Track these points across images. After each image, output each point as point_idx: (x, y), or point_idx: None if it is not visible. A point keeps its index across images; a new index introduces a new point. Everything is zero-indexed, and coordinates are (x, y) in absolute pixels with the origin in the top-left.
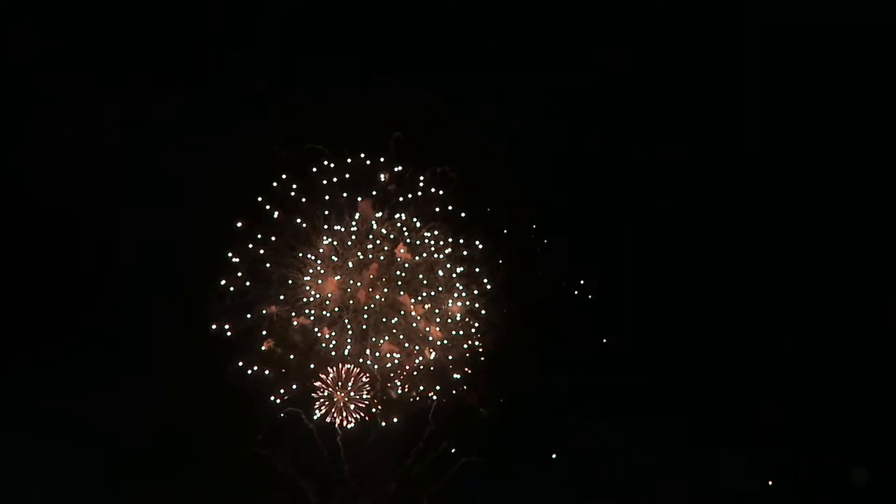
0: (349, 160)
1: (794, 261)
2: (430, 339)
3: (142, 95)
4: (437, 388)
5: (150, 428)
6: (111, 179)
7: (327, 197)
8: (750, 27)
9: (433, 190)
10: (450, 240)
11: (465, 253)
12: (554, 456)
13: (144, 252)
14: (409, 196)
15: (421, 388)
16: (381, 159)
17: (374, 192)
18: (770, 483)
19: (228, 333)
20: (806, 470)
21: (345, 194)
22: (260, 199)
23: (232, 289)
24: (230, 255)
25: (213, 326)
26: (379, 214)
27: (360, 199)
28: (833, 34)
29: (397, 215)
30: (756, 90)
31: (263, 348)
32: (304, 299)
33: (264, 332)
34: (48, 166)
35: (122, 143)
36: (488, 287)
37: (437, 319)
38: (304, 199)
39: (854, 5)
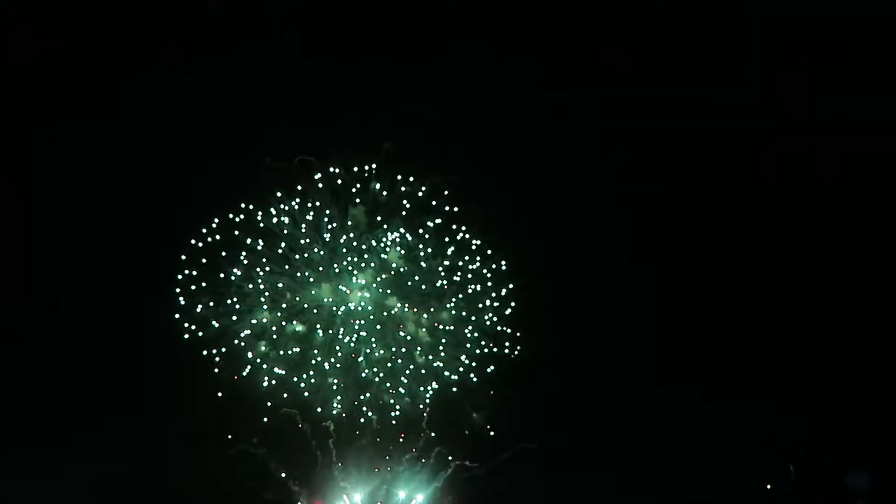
0: (340, 170)
1: (793, 262)
2: (423, 344)
3: (134, 103)
4: (431, 393)
5: (148, 429)
6: (104, 187)
7: (318, 205)
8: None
9: (426, 198)
10: (442, 247)
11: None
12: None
13: (136, 257)
14: (402, 204)
15: (414, 393)
16: (373, 168)
17: (365, 201)
18: (769, 486)
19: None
20: (805, 473)
21: (336, 203)
22: (251, 208)
23: (224, 295)
24: (223, 261)
25: (208, 330)
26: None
27: (351, 207)
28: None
29: (389, 223)
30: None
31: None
32: (297, 305)
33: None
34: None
35: (114, 151)
36: (482, 294)
37: (430, 325)
38: (295, 208)
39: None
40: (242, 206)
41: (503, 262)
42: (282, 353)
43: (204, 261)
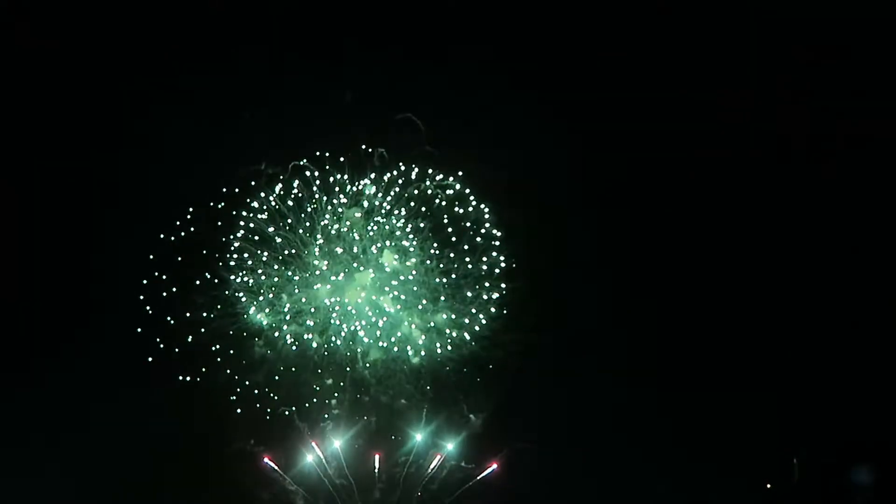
0: (335, 174)
1: (794, 263)
2: (418, 346)
3: (135, 107)
4: (428, 395)
5: (146, 429)
6: (103, 189)
7: (313, 207)
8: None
9: (421, 200)
10: (435, 251)
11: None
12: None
13: (135, 261)
14: (396, 208)
15: (410, 395)
16: (368, 173)
17: (360, 203)
18: (769, 486)
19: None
20: (807, 472)
21: (331, 205)
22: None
23: (222, 299)
24: (221, 265)
25: (205, 330)
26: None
27: (346, 209)
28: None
29: (383, 225)
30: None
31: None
32: (294, 307)
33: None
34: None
35: (113, 153)
36: (477, 295)
37: (425, 327)
38: (291, 212)
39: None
40: (239, 209)
41: (500, 264)
42: (279, 354)
43: (201, 262)
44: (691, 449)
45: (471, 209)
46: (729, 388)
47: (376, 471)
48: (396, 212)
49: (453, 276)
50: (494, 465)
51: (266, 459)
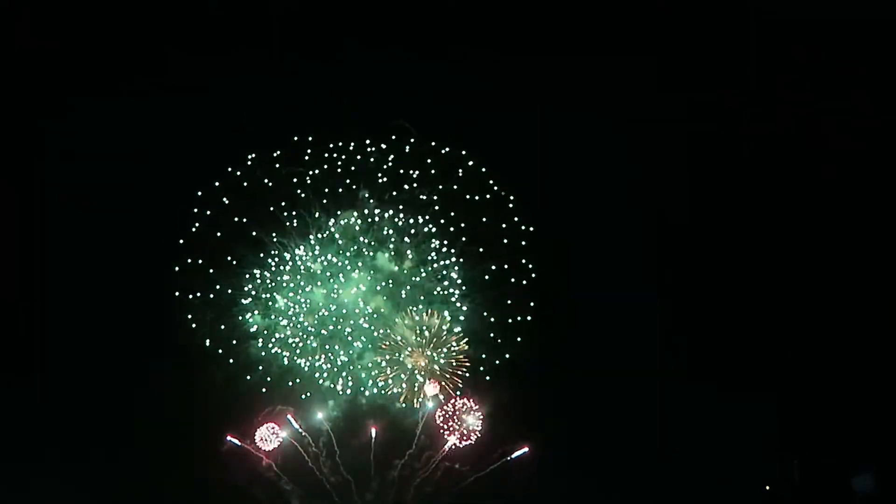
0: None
1: (795, 263)
2: (412, 347)
3: (137, 107)
4: (424, 397)
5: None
6: (102, 189)
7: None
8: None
9: (416, 205)
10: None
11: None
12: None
13: (133, 262)
14: (391, 210)
15: (407, 396)
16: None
17: (356, 206)
18: (767, 487)
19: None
20: (809, 474)
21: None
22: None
23: (216, 300)
24: (218, 268)
25: (200, 336)
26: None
27: (341, 212)
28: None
29: (378, 226)
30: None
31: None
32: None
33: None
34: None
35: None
36: (472, 297)
37: (420, 329)
38: (286, 214)
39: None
40: (235, 210)
41: (497, 265)
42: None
43: (197, 264)
44: (691, 450)
45: (467, 211)
46: (729, 389)
47: (372, 441)
48: (392, 214)
49: (449, 277)
50: (525, 449)
51: (229, 437)
